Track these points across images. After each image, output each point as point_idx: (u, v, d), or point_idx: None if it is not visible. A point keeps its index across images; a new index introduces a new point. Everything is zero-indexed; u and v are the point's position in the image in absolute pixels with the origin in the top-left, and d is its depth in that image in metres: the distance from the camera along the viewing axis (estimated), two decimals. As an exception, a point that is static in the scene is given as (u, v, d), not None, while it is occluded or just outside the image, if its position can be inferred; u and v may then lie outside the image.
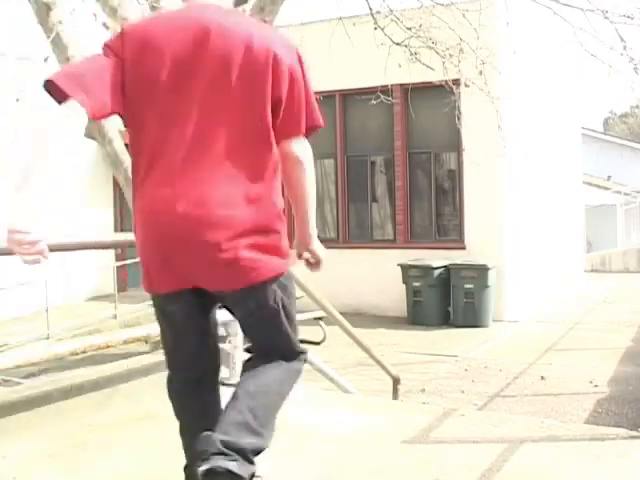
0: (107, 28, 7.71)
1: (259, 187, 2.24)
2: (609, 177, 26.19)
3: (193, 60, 2.20)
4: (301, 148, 2.31)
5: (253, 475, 2.21)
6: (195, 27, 2.21)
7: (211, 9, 2.28)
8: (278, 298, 2.30)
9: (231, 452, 2.13)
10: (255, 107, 2.22)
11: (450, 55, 8.81)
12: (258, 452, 2.25)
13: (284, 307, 2.33)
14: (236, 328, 4.16)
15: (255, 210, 2.22)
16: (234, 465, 2.10)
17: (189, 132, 2.20)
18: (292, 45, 2.33)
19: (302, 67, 2.31)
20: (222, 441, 2.13)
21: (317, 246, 2.48)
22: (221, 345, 4.84)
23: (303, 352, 2.47)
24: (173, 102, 2.21)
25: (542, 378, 8.31)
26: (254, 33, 2.25)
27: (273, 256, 2.27)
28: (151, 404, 3.75)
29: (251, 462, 2.19)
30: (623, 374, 8.48)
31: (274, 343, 2.38)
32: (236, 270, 2.21)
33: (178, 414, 2.55)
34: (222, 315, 4.60)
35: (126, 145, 7.15)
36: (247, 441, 2.19)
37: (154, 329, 4.06)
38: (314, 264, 2.52)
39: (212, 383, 2.53)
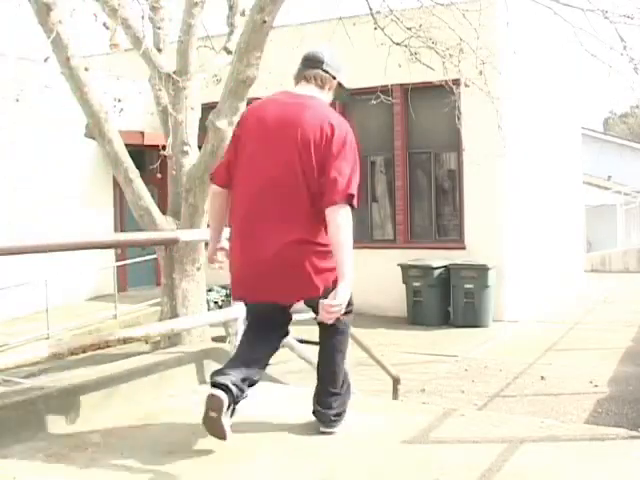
0: (107, 28, 7.71)
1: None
2: (609, 177, 26.19)
3: (282, 136, 3.11)
4: (337, 213, 3.03)
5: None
6: (292, 116, 3.13)
7: (309, 104, 3.17)
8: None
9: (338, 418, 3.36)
10: (307, 172, 3.08)
11: (450, 55, 8.81)
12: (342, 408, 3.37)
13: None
14: (236, 328, 4.16)
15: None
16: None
17: (270, 184, 3.12)
18: (344, 130, 3.13)
19: (347, 150, 3.08)
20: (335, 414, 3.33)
21: (344, 291, 3.05)
22: (221, 345, 4.85)
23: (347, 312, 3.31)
24: (261, 163, 3.16)
25: (542, 378, 8.31)
26: (324, 125, 3.08)
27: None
28: (151, 404, 3.75)
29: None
30: (623, 374, 8.48)
31: None
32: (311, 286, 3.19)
33: (244, 339, 3.44)
34: (222, 315, 4.61)
35: (126, 145, 7.16)
36: (344, 407, 3.38)
37: (154, 329, 4.06)
38: (329, 307, 3.02)
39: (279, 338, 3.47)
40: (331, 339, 3.36)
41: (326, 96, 3.32)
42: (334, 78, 3.33)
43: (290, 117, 3.14)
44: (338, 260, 3.05)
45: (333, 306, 3.00)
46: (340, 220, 3.03)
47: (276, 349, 3.46)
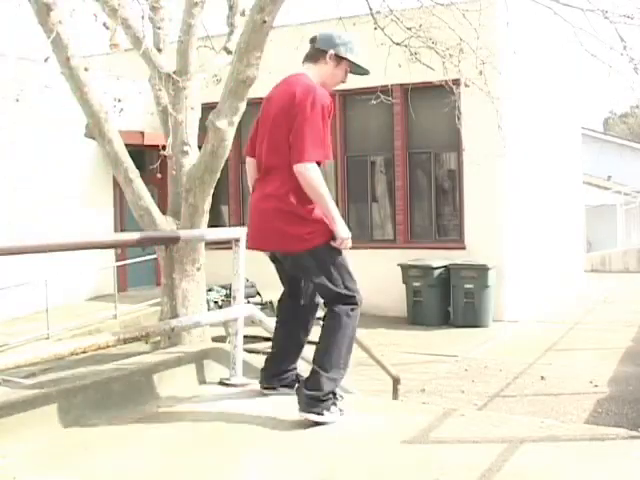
0: (107, 28, 7.70)
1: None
2: (609, 177, 26.19)
3: (268, 111, 3.65)
4: (299, 171, 3.43)
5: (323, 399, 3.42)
6: (275, 92, 3.68)
7: (290, 79, 3.63)
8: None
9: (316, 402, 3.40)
10: (283, 138, 3.51)
11: (450, 55, 8.80)
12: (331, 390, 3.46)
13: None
14: (236, 328, 4.16)
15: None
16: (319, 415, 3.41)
17: (261, 152, 3.66)
18: (307, 93, 3.47)
19: (309, 112, 3.43)
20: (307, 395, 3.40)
21: (337, 229, 3.49)
22: (221, 345, 4.85)
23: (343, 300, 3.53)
24: (261, 134, 3.69)
25: (542, 378, 8.31)
26: (292, 94, 3.50)
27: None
28: (151, 404, 3.75)
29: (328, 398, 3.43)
30: (623, 374, 8.49)
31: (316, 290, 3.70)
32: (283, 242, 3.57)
33: (275, 327, 3.89)
34: (222, 315, 4.60)
35: (126, 145, 7.16)
36: (327, 389, 3.43)
37: (154, 329, 4.06)
38: (338, 242, 3.50)
39: (304, 318, 3.81)
40: (328, 321, 3.55)
41: (323, 69, 3.68)
42: (326, 52, 3.67)
43: (275, 93, 3.68)
44: (323, 211, 3.49)
45: (340, 244, 3.50)
46: (307, 176, 3.43)
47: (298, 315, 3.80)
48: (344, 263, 3.58)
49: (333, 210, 3.48)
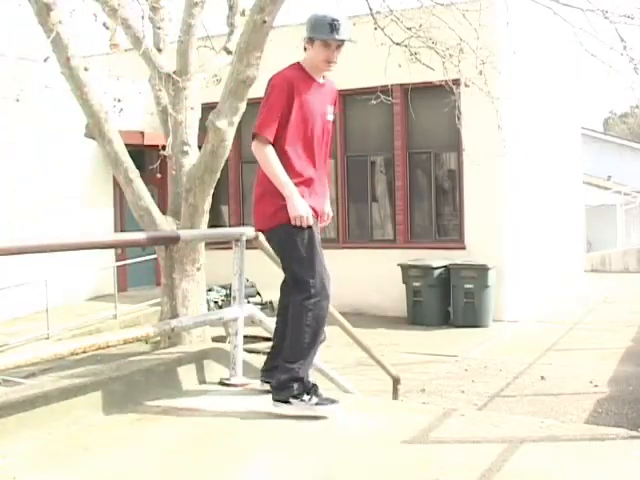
0: (107, 28, 7.71)
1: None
2: (609, 177, 26.18)
3: None
4: (253, 146, 3.61)
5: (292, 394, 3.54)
6: None
7: None
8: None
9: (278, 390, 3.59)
10: None
11: (450, 55, 8.81)
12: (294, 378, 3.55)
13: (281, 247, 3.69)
14: (236, 328, 4.16)
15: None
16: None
17: None
18: (274, 76, 3.65)
19: (267, 92, 3.63)
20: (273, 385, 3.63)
21: (289, 205, 3.52)
22: (221, 345, 4.85)
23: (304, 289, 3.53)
24: None
25: (542, 378, 8.31)
26: None
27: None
28: (151, 404, 3.75)
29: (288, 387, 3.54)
30: (623, 374, 8.49)
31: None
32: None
33: (276, 321, 3.96)
34: (222, 315, 4.60)
35: (126, 145, 7.16)
36: (284, 377, 3.55)
37: (154, 329, 4.06)
38: (292, 220, 3.52)
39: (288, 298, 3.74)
40: (291, 312, 3.63)
41: (306, 55, 3.75)
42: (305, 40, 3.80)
43: None
44: (277, 186, 3.56)
45: (294, 221, 3.51)
46: (255, 152, 3.60)
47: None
48: (316, 249, 3.57)
49: (285, 185, 3.53)
